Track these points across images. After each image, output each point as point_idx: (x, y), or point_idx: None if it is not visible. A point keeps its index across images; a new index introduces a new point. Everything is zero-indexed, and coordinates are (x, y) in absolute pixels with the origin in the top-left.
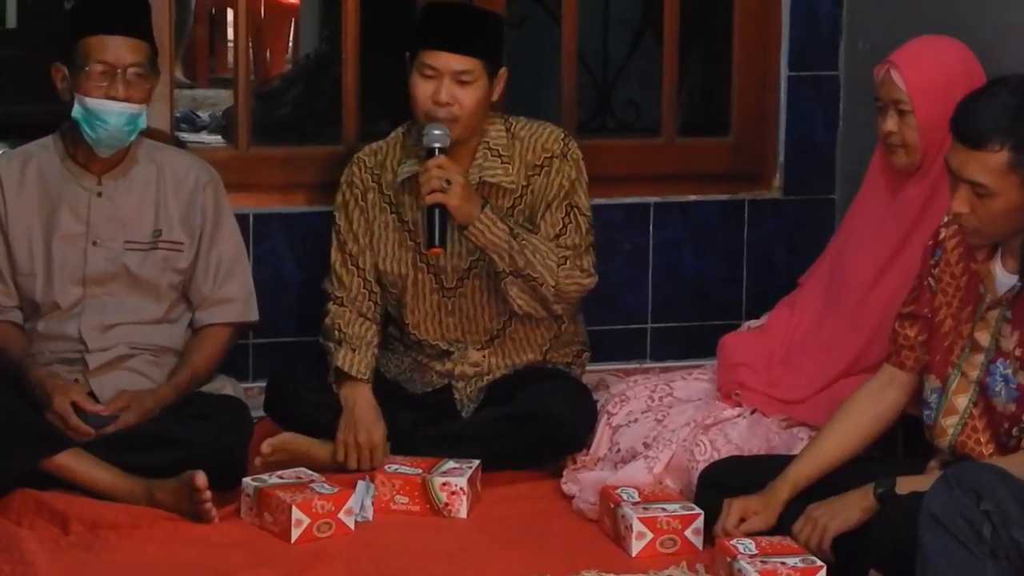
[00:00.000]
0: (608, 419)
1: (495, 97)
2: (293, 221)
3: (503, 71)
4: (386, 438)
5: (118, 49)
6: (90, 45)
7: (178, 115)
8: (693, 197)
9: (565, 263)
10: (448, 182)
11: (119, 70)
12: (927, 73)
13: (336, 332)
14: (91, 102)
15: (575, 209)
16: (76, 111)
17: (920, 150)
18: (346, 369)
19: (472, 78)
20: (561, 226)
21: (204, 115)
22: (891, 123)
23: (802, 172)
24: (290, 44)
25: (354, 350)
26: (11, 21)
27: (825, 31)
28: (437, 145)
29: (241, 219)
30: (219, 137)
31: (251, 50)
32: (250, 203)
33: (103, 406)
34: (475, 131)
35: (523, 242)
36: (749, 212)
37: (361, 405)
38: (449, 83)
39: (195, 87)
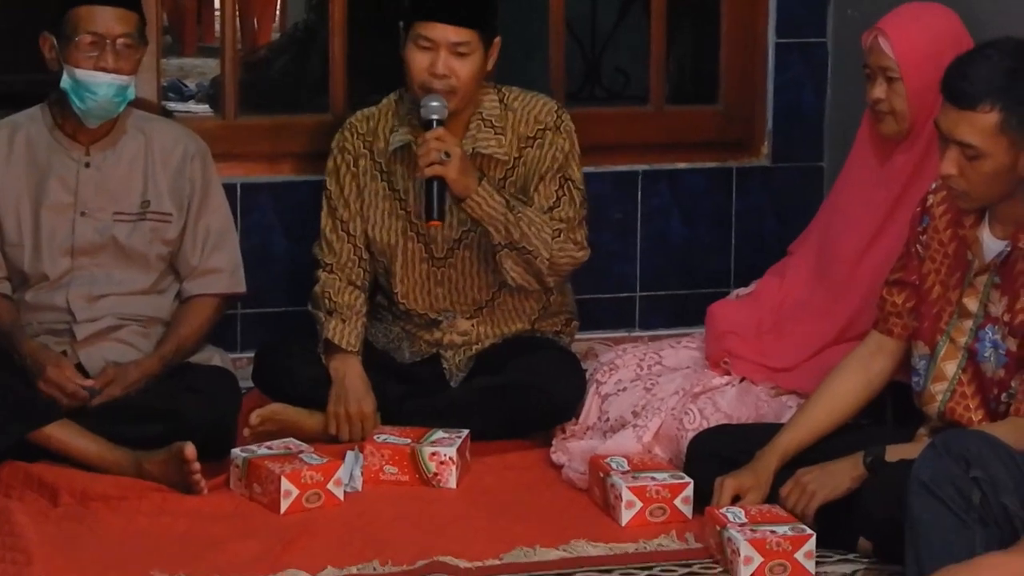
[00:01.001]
0: (597, 388)
1: (489, 67)
2: (281, 190)
3: (497, 41)
4: (376, 409)
5: (108, 20)
6: (79, 15)
7: (165, 84)
8: (682, 165)
9: (559, 236)
10: (447, 154)
11: (108, 41)
12: (915, 40)
13: (326, 301)
14: (80, 73)
15: (569, 182)
16: (65, 82)
17: (908, 118)
18: (336, 341)
19: (469, 49)
20: (555, 199)
21: (191, 84)
22: (879, 90)
23: (790, 140)
24: (277, 13)
25: (344, 321)
26: None
27: None
28: (435, 117)
29: (229, 189)
30: (206, 106)
31: (238, 19)
32: (238, 172)
33: (91, 381)
34: (470, 102)
35: (519, 215)
36: (737, 180)
37: (351, 377)
38: (446, 55)
39: (182, 56)
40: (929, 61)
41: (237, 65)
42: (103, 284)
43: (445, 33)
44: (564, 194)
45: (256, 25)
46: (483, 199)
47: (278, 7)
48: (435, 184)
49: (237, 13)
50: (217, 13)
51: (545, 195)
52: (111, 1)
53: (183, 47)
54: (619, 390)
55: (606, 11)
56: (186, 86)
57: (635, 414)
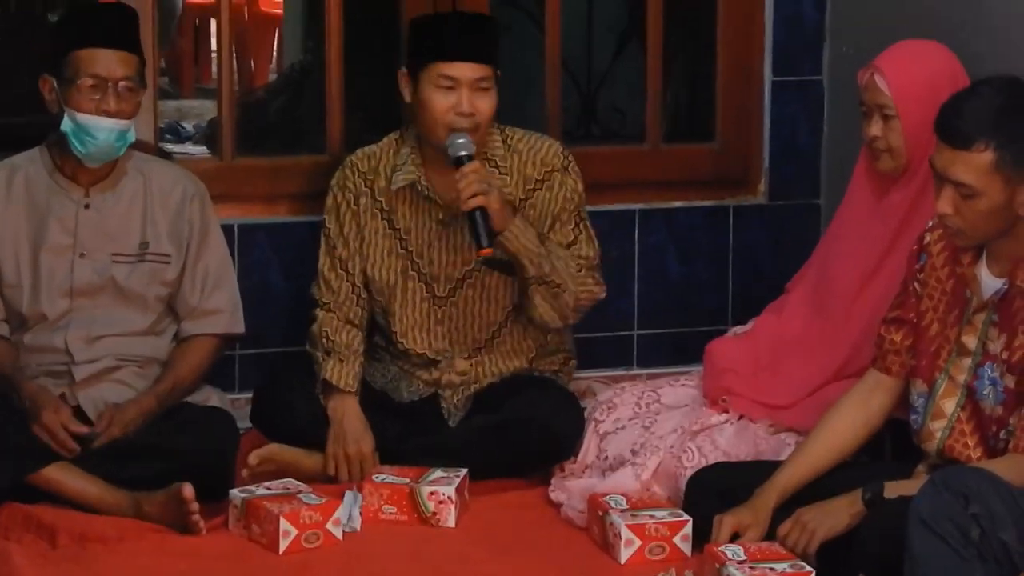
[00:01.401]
0: (595, 426)
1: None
2: (278, 231)
3: (498, 75)
4: (375, 449)
5: (109, 62)
6: (81, 58)
7: (162, 126)
8: (678, 203)
9: (581, 272)
10: (488, 185)
11: (110, 84)
12: (912, 78)
13: (324, 341)
14: (82, 117)
15: (584, 222)
16: (66, 124)
17: (905, 154)
18: (334, 381)
19: (489, 85)
20: (572, 238)
21: (189, 125)
22: (876, 128)
23: (787, 177)
24: (274, 54)
25: (341, 361)
26: None
27: (808, 35)
28: (464, 153)
29: (226, 229)
30: (204, 148)
31: (235, 60)
32: (235, 213)
33: (88, 428)
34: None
35: (549, 249)
36: (734, 218)
37: (349, 417)
38: (469, 92)
39: (180, 98)
40: (926, 99)
41: (234, 106)
42: (102, 325)
43: (466, 71)
44: (580, 232)
45: (253, 66)
46: (520, 231)
47: (275, 48)
48: (478, 214)
49: (234, 54)
50: (214, 55)
51: (563, 234)
52: (113, 44)
53: (180, 88)
54: (618, 428)
55: (602, 49)
56: (183, 127)
57: (634, 452)
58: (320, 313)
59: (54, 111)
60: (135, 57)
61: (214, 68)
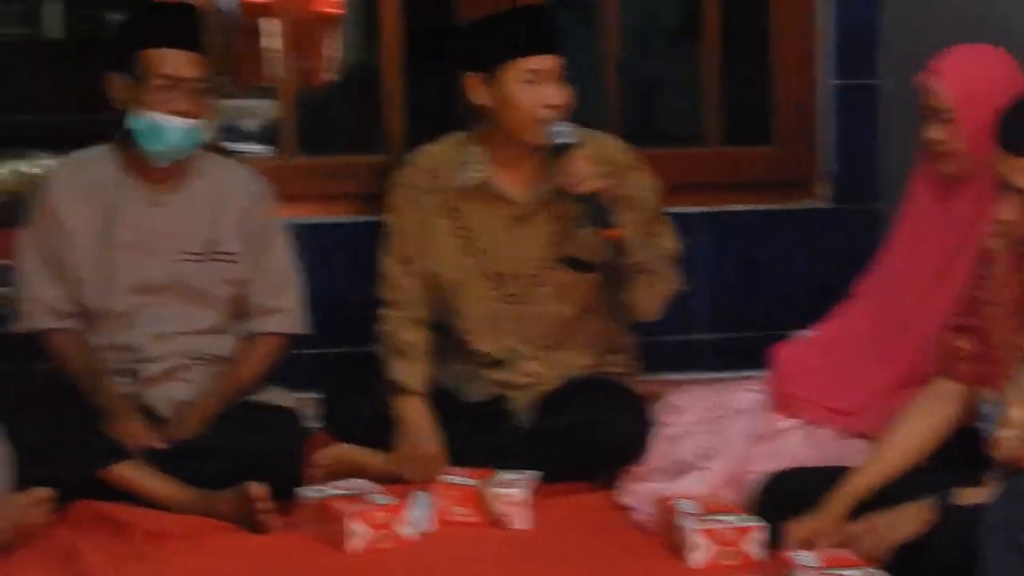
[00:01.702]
0: (663, 429)
1: None
2: (337, 231)
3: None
4: (442, 449)
5: (180, 63)
6: (152, 58)
7: (222, 124)
8: (740, 207)
9: (671, 264)
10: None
11: (182, 84)
12: (970, 82)
13: (391, 340)
14: (154, 116)
15: (663, 215)
16: (136, 123)
17: (968, 157)
18: (401, 382)
19: (563, 74)
20: (654, 231)
21: (247, 125)
22: (936, 131)
23: (846, 181)
24: (333, 54)
25: (409, 361)
26: (57, 32)
27: (867, 38)
28: (569, 140)
29: None
30: (263, 147)
31: (295, 60)
32: (293, 213)
33: (158, 442)
34: None
35: (647, 238)
36: (796, 222)
37: (417, 418)
38: (554, 84)
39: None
40: (985, 102)
41: (294, 106)
42: (169, 323)
43: (548, 63)
44: (662, 226)
45: (312, 66)
46: (623, 217)
47: (334, 48)
48: (597, 197)
49: (294, 54)
50: (273, 54)
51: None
52: (183, 44)
53: (239, 88)
54: (685, 432)
55: (659, 51)
56: (242, 127)
57: (700, 457)
58: (386, 313)
59: (120, 110)
60: (204, 58)
61: (273, 67)
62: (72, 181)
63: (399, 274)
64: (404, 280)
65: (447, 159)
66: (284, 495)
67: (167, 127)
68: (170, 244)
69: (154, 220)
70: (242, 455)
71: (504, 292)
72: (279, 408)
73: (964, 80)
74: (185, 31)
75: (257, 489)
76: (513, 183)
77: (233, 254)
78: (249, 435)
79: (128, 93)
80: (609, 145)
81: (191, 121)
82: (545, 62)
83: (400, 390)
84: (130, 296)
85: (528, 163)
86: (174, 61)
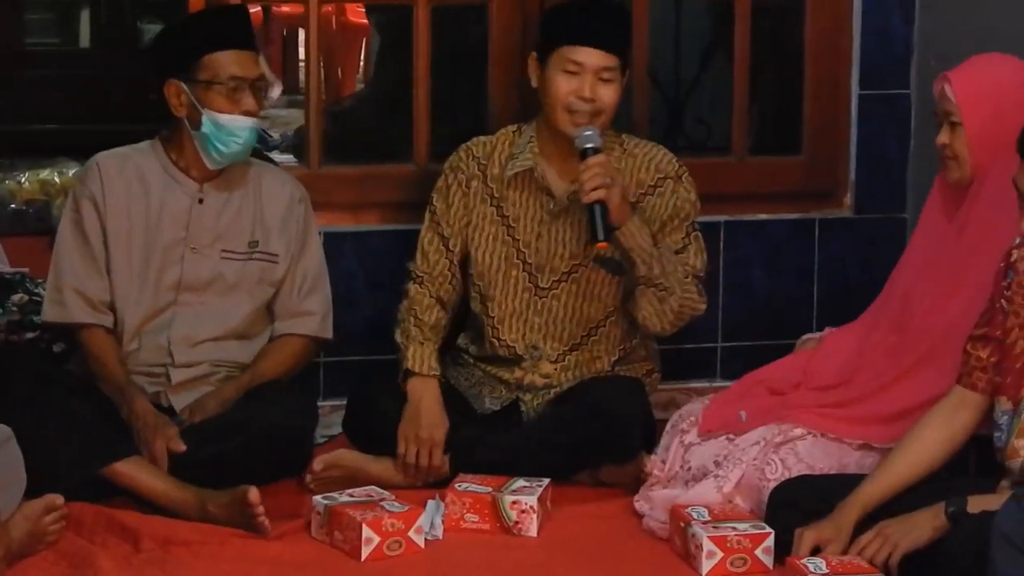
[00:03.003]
0: (681, 437)
1: (619, 99)
2: (364, 240)
3: (628, 72)
4: (447, 437)
5: (245, 63)
6: (218, 61)
7: None
8: (764, 216)
9: (689, 280)
10: (611, 179)
11: (248, 84)
12: (976, 85)
13: (411, 318)
14: (224, 118)
15: (695, 232)
16: (206, 126)
17: (970, 163)
18: (416, 368)
19: (613, 76)
20: (681, 246)
21: (276, 134)
22: (943, 136)
23: (873, 190)
24: (361, 63)
25: (422, 344)
26: (84, 41)
27: (897, 49)
28: (590, 145)
29: None
30: (291, 156)
31: (323, 69)
32: (322, 222)
33: (183, 447)
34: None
35: (661, 250)
36: (820, 231)
37: (428, 400)
38: (592, 79)
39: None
40: (990, 106)
41: (321, 115)
42: (204, 325)
43: (593, 58)
44: (690, 243)
45: (340, 75)
46: (636, 229)
47: (362, 57)
48: (598, 208)
49: (322, 64)
50: (302, 63)
51: (672, 241)
52: (244, 45)
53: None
54: (702, 440)
55: (688, 61)
56: (271, 136)
57: (717, 464)
58: (412, 287)
59: (180, 115)
60: (261, 56)
61: (302, 77)
62: (119, 173)
63: (433, 250)
64: (437, 256)
65: (498, 149)
66: (293, 471)
67: (239, 127)
68: (213, 242)
69: (198, 217)
70: (253, 428)
71: (536, 285)
72: (292, 384)
73: (971, 84)
74: (242, 31)
75: (252, 494)
76: (556, 176)
77: (275, 255)
78: (260, 409)
79: (194, 97)
80: (657, 155)
81: (256, 120)
82: (588, 55)
83: (413, 374)
84: (169, 291)
85: (571, 159)
86: (239, 61)
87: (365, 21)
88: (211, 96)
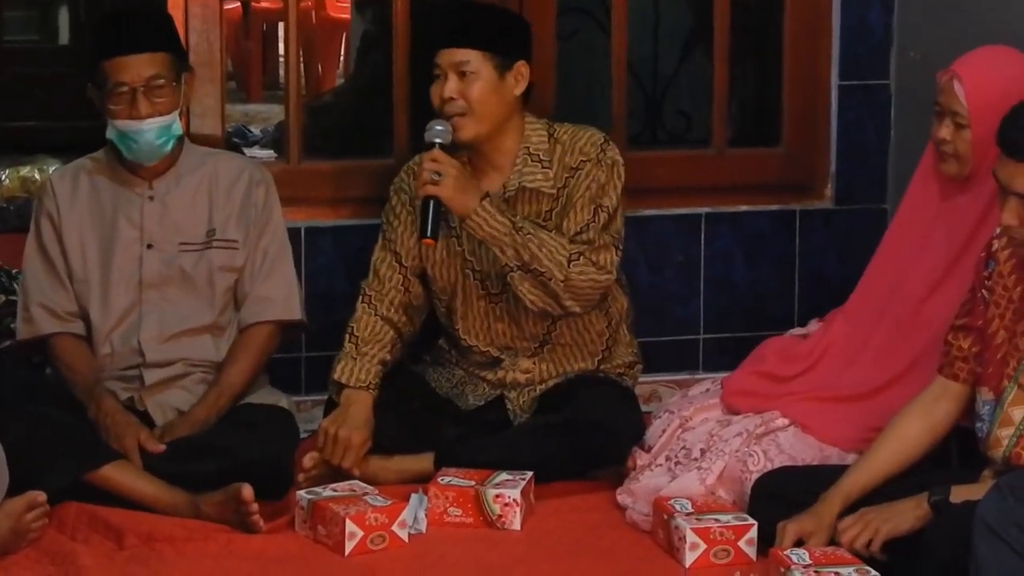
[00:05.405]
0: (678, 411)
1: (517, 92)
2: (344, 234)
3: (520, 65)
4: (366, 444)
5: (132, 68)
6: (107, 67)
7: (230, 129)
8: (744, 208)
9: (578, 259)
10: (438, 174)
11: (139, 88)
12: (989, 90)
13: (347, 336)
14: (120, 124)
15: (603, 211)
16: (109, 132)
17: (970, 163)
18: (344, 381)
19: (471, 69)
20: (584, 224)
21: (256, 129)
22: (946, 131)
23: (853, 182)
24: (341, 58)
25: (356, 359)
26: (64, 38)
27: (876, 40)
28: (437, 140)
29: (293, 233)
30: (271, 151)
31: (302, 64)
32: (301, 216)
33: (161, 446)
34: (499, 128)
35: (527, 236)
36: (801, 222)
37: (357, 407)
38: (453, 78)
39: (248, 102)
40: (999, 109)
41: (301, 110)
42: (172, 321)
43: (447, 56)
44: (595, 220)
45: (320, 70)
46: (484, 219)
47: (342, 52)
48: (431, 203)
49: (301, 58)
50: (281, 59)
51: (576, 221)
52: (133, 48)
53: (248, 93)
54: (698, 422)
55: (668, 54)
56: (251, 131)
57: (702, 452)
58: (359, 305)
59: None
60: (161, 54)
61: (281, 72)
62: (72, 186)
63: (385, 267)
64: (388, 272)
65: None
66: (274, 496)
67: (133, 131)
68: (169, 236)
69: (151, 214)
70: (231, 455)
71: (489, 292)
72: (273, 408)
73: (982, 87)
74: (135, 35)
75: (246, 491)
76: (488, 183)
77: (234, 241)
78: (240, 435)
79: (100, 103)
80: (582, 138)
81: (157, 120)
82: (443, 57)
83: (343, 386)
84: (131, 292)
85: (496, 160)
86: (126, 67)
87: (345, 16)
88: (107, 102)
